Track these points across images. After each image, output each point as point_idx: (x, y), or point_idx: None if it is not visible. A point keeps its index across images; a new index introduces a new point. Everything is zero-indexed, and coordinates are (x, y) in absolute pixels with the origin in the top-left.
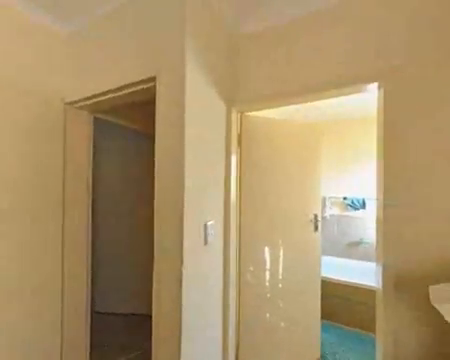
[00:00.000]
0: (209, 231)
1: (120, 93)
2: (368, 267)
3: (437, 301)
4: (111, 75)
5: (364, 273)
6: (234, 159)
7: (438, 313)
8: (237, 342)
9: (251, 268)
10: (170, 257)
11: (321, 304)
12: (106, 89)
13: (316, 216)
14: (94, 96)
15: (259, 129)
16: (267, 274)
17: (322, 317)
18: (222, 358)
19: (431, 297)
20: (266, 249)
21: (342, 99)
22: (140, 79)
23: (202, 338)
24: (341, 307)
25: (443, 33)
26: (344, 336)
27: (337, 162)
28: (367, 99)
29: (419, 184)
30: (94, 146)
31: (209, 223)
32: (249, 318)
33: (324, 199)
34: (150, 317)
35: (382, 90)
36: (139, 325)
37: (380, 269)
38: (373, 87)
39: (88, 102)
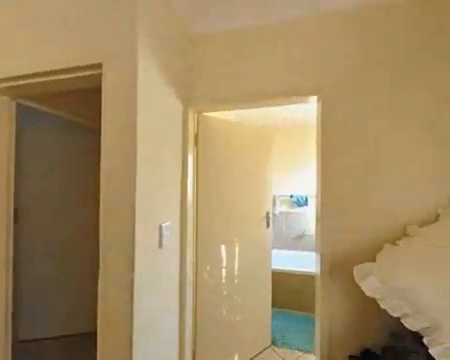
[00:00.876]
0: (164, 233)
1: (54, 78)
2: (310, 256)
3: (359, 279)
4: (42, 55)
5: (307, 262)
6: (191, 159)
7: (361, 289)
8: (194, 341)
9: (208, 267)
10: (119, 264)
11: (272, 294)
12: (34, 71)
13: (268, 213)
14: (17, 78)
15: (216, 130)
16: (224, 272)
17: (273, 306)
18: (178, 358)
19: (355, 276)
20: (223, 247)
21: (290, 107)
22: (81, 65)
23: (156, 342)
24: (289, 294)
25: (371, 59)
26: (292, 320)
27: (285, 163)
28: (309, 109)
29: (346, 184)
30: (27, 140)
31: (165, 224)
32: (206, 317)
33: (274, 197)
34: (92, 334)
35: (320, 103)
36: (78, 346)
37: (319, 257)
38: (313, 99)
39: (7, 85)
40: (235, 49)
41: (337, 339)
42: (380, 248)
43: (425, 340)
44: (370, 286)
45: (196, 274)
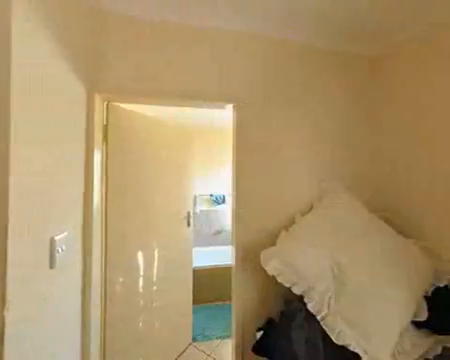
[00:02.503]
0: (58, 247)
1: None
2: (228, 250)
3: (264, 262)
4: None
5: (226, 255)
6: (98, 155)
7: (266, 271)
8: None
9: (121, 279)
10: None
11: (194, 291)
12: None
13: (189, 213)
14: None
15: (131, 124)
16: (141, 280)
17: (195, 303)
18: None
19: (261, 260)
20: (140, 254)
21: (210, 111)
22: None
23: None
24: (210, 288)
25: (276, 81)
26: (214, 313)
27: (206, 164)
28: (226, 115)
29: (256, 183)
30: None
31: (59, 237)
32: (118, 334)
33: (195, 197)
34: None
35: (235, 111)
36: None
37: (234, 250)
38: (230, 107)
39: None
40: (154, 39)
41: (250, 318)
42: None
43: (305, 299)
44: (272, 266)
45: (105, 290)
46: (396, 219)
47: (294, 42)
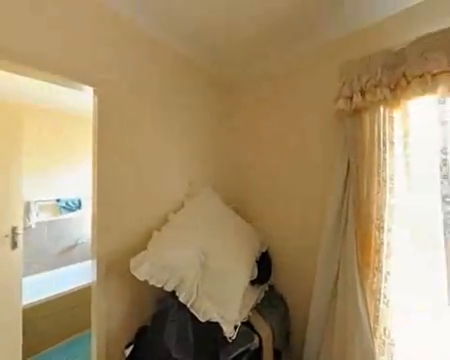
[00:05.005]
0: None
1: None
2: (85, 266)
3: (134, 268)
4: None
5: (83, 274)
6: None
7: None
8: None
9: None
10: None
11: (25, 339)
12: None
13: (14, 229)
14: None
15: None
16: None
17: (27, 355)
18: None
19: (131, 268)
20: None
21: (57, 87)
22: None
23: None
24: (49, 327)
25: (147, 76)
26: (72, 350)
27: (48, 161)
28: (84, 99)
29: (123, 184)
30: None
31: None
32: None
33: (28, 204)
34: None
35: (97, 97)
36: None
37: (95, 263)
38: (89, 90)
39: None
40: None
41: (118, 338)
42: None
43: (177, 293)
44: (143, 271)
45: None
46: (242, 208)
47: (171, 49)
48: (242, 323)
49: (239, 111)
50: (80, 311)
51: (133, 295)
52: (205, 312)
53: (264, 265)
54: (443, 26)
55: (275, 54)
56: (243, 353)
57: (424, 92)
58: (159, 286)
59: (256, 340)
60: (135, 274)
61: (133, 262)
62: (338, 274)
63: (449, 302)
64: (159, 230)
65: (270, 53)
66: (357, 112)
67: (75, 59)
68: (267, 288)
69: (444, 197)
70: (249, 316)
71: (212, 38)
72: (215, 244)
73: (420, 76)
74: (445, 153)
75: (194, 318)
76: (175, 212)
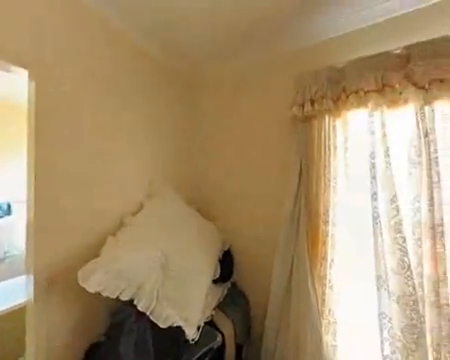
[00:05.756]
0: None
1: None
2: (15, 283)
3: (84, 280)
4: None
5: (13, 292)
6: None
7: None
8: None
9: None
10: None
11: None
12: None
13: None
14: None
15: None
16: None
17: None
18: None
19: (79, 279)
20: None
21: None
22: None
23: None
24: None
25: (94, 71)
26: None
27: None
28: (15, 83)
29: (67, 185)
30: None
31: None
32: None
33: None
34: None
35: (34, 82)
36: None
37: (31, 278)
38: (23, 73)
39: None
40: None
41: (59, 357)
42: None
43: (135, 302)
44: (95, 282)
45: None
46: (205, 208)
47: (129, 39)
48: (205, 323)
49: (200, 111)
50: (8, 338)
51: (82, 310)
52: (166, 318)
53: (226, 263)
54: (373, 52)
55: (235, 58)
56: (206, 352)
57: (358, 105)
58: (114, 296)
59: (219, 338)
60: (85, 286)
61: (82, 272)
62: (292, 269)
63: (376, 282)
64: (114, 235)
65: (230, 56)
66: (308, 119)
67: (4, 36)
68: (229, 285)
69: (373, 195)
70: (212, 315)
71: (172, 34)
72: (176, 245)
73: (356, 92)
74: (373, 158)
75: (154, 325)
76: (133, 214)
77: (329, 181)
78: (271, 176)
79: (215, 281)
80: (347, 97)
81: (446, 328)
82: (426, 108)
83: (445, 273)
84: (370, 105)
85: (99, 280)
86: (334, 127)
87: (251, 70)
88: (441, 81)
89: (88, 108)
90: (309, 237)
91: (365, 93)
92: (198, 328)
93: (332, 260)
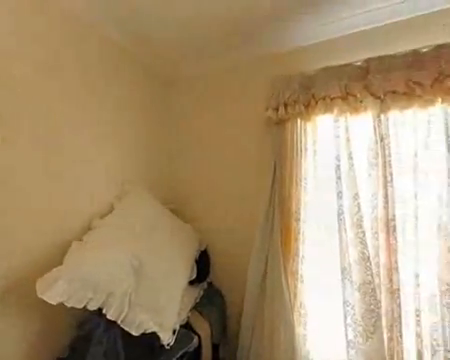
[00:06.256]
0: None
1: None
2: None
3: (43, 291)
4: None
5: None
6: None
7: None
8: None
9: None
10: None
11: None
12: None
13: None
14: None
15: None
16: None
17: None
18: None
19: (38, 291)
20: None
21: None
22: None
23: None
24: None
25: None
26: None
27: None
28: None
29: (21, 187)
30: None
31: None
32: None
33: None
34: None
35: None
36: None
37: None
38: None
39: None
40: None
41: None
42: None
43: (104, 311)
44: (57, 292)
45: None
46: (181, 208)
47: (99, 29)
48: (181, 325)
49: (176, 109)
50: None
51: (43, 321)
52: (140, 324)
53: (203, 264)
54: (340, 62)
55: (211, 58)
56: (182, 356)
57: (326, 111)
58: (80, 307)
59: (195, 340)
60: (44, 298)
61: (41, 283)
62: (267, 267)
63: (341, 274)
64: (80, 240)
65: (207, 56)
66: (282, 121)
67: None
68: (206, 285)
69: (338, 193)
70: (188, 317)
71: (148, 28)
72: (150, 247)
73: (323, 98)
74: (338, 160)
75: (126, 334)
76: (102, 217)
77: (300, 181)
78: (247, 176)
79: (191, 282)
80: (316, 103)
81: (397, 310)
82: (382, 116)
83: (396, 262)
84: (335, 111)
85: (62, 290)
86: (305, 130)
87: (228, 71)
88: (393, 92)
89: (52, 100)
90: (282, 235)
91: (331, 100)
92: (174, 332)
93: (303, 256)
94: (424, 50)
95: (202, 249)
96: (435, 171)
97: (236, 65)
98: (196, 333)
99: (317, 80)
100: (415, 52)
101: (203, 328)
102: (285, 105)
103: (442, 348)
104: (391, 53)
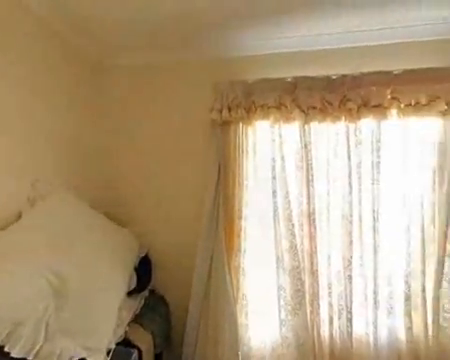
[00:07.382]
0: None
1: None
2: None
3: None
4: None
5: None
6: None
7: None
8: None
9: None
10: None
11: None
12: None
13: None
14: None
15: None
16: None
17: None
18: None
19: None
20: None
21: None
22: None
23: None
24: None
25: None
26: None
27: None
28: None
29: None
30: None
31: None
32: None
33: None
34: None
35: None
36: None
37: None
38: None
39: None
40: None
41: None
42: None
43: (7, 348)
44: None
45: None
46: (116, 212)
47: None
48: (118, 343)
49: (111, 98)
50: None
51: None
52: (61, 354)
53: (143, 271)
54: (273, 76)
55: (152, 50)
56: None
57: (264, 117)
58: None
59: (135, 355)
60: None
61: None
62: (212, 266)
63: (276, 262)
64: None
65: (147, 47)
66: (226, 123)
67: None
68: (147, 293)
69: (273, 192)
70: (126, 332)
71: (78, 6)
72: (75, 260)
73: (261, 106)
74: (273, 161)
75: None
76: (3, 228)
77: (242, 181)
78: (191, 176)
79: (131, 292)
80: (256, 109)
81: (316, 287)
82: (306, 126)
83: (316, 247)
84: (271, 118)
85: None
86: (247, 134)
87: (172, 68)
88: (313, 108)
89: None
90: (226, 232)
91: (268, 108)
92: (108, 352)
93: (244, 250)
94: (334, 77)
95: (142, 255)
96: (341, 174)
97: (180, 62)
98: (136, 347)
99: (256, 89)
100: (328, 78)
101: (144, 340)
102: (229, 108)
103: (345, 310)
104: (312, 75)
